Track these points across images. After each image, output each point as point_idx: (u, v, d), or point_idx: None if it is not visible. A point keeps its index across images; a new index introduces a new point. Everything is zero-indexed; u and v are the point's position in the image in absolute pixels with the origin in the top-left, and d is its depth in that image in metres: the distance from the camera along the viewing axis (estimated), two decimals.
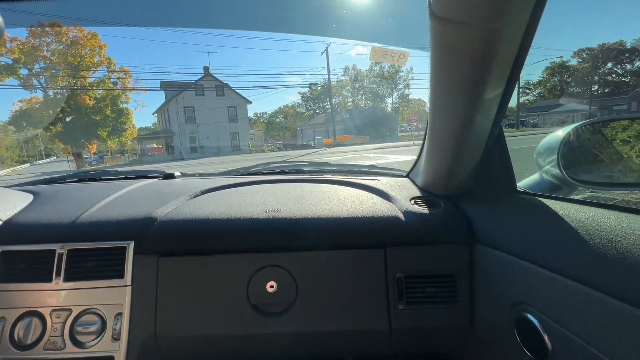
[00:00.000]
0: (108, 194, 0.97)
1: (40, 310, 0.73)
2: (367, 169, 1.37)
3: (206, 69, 25.45)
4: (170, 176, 1.25)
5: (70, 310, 0.74)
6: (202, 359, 0.85)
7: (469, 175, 0.84)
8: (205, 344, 0.79)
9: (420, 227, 0.82)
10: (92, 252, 0.76)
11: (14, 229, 0.80)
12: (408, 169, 1.20)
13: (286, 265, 0.79)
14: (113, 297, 0.75)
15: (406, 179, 1.15)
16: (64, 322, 0.73)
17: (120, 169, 1.42)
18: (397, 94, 48.32)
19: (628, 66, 58.77)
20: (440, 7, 0.51)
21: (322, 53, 24.29)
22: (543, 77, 63.39)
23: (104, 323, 0.74)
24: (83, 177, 1.31)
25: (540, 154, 0.93)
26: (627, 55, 58.43)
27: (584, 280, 0.52)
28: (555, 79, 62.37)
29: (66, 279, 0.75)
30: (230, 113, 26.01)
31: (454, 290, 0.81)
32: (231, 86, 25.94)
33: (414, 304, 0.80)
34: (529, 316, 0.62)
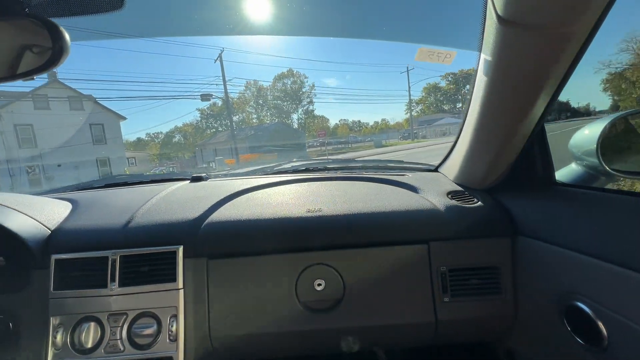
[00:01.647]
0: (145, 199, 0.97)
1: (97, 315, 0.74)
2: (393, 164, 1.35)
3: (52, 73, 19.05)
4: (199, 179, 1.22)
5: (127, 314, 0.75)
6: (255, 356, 0.86)
7: (507, 169, 0.86)
8: (258, 342, 0.80)
9: (462, 221, 0.83)
10: (143, 257, 0.77)
11: (63, 238, 0.81)
12: (435, 163, 1.20)
13: (332, 263, 0.80)
14: (167, 300, 0.75)
15: (436, 174, 1.15)
16: (122, 326, 0.74)
17: (146, 173, 2.04)
18: (302, 110, 48.34)
19: None
20: (509, 11, 0.52)
21: (216, 60, 21.07)
22: (422, 96, 74.17)
23: (159, 325, 0.75)
24: (111, 183, 1.26)
25: (576, 145, 0.92)
26: None
27: (636, 267, 0.54)
28: (432, 97, 73.71)
29: (121, 284, 0.75)
30: (95, 132, 20.10)
31: (498, 282, 0.81)
32: (95, 97, 20.35)
33: (458, 296, 0.81)
34: (580, 305, 0.63)
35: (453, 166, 1.02)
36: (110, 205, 0.95)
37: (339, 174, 1.20)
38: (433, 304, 0.80)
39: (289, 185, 1.07)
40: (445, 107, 69.28)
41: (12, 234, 0.75)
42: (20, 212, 0.82)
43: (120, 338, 0.74)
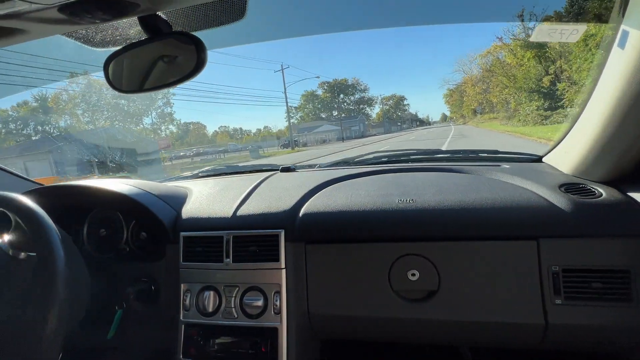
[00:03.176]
0: (247, 186, 1.05)
1: (215, 285, 0.85)
2: (486, 154, 1.23)
3: None
4: (288, 169, 1.29)
5: (238, 287, 0.84)
6: (349, 336, 0.90)
7: None
8: (352, 323, 0.84)
9: (581, 217, 0.75)
10: (251, 238, 0.85)
11: (187, 219, 0.93)
12: (539, 153, 1.13)
13: (427, 254, 0.79)
14: (271, 278, 0.83)
15: (542, 164, 1.07)
16: (234, 297, 0.84)
17: (239, 164, 2.32)
18: (157, 113, 38.75)
19: (352, 97, 79.72)
20: None
21: None
22: (301, 103, 74.18)
23: (266, 299, 0.82)
24: (213, 173, 1.43)
25: None
26: (350, 89, 79.10)
27: None
28: (310, 105, 74.64)
29: (234, 261, 0.85)
30: None
31: (627, 287, 0.72)
32: None
33: (574, 300, 0.74)
34: None
35: (565, 155, 0.93)
36: (220, 192, 1.05)
37: (424, 164, 1.17)
38: (542, 306, 0.74)
39: (375, 176, 1.08)
40: (323, 115, 70.99)
41: (153, 214, 0.90)
42: (157, 196, 0.96)
43: (234, 307, 0.83)
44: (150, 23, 0.56)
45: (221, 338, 0.83)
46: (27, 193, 0.85)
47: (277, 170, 1.29)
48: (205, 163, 26.08)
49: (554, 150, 1.01)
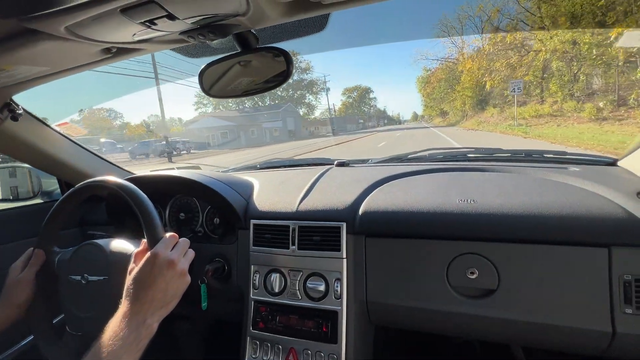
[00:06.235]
0: (308, 180, 1.11)
1: (281, 268, 0.92)
2: (552, 156, 1.19)
3: None
4: (343, 164, 1.34)
5: (302, 272, 0.90)
6: (404, 325, 0.96)
7: None
8: (407, 313, 0.88)
9: None
10: (315, 229, 0.91)
11: (256, 208, 1.00)
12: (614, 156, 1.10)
13: (487, 254, 0.80)
14: (333, 266, 0.88)
15: (617, 168, 1.05)
16: (298, 280, 0.90)
17: (295, 158, 1.93)
18: None
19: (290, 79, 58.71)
20: None
21: None
22: None
23: (327, 285, 0.88)
24: (271, 165, 1.52)
25: None
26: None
27: None
28: None
29: (299, 248, 0.91)
30: None
31: None
32: None
33: None
34: None
35: None
36: (283, 184, 1.11)
37: (482, 164, 1.15)
38: (610, 314, 0.73)
39: (432, 174, 1.09)
40: (248, 104, 49.49)
41: (227, 202, 0.98)
42: (229, 186, 1.04)
43: (298, 289, 0.89)
44: (243, 38, 0.63)
45: (286, 315, 0.90)
46: (129, 179, 0.92)
47: (332, 164, 1.35)
48: None
49: (634, 153, 0.98)
